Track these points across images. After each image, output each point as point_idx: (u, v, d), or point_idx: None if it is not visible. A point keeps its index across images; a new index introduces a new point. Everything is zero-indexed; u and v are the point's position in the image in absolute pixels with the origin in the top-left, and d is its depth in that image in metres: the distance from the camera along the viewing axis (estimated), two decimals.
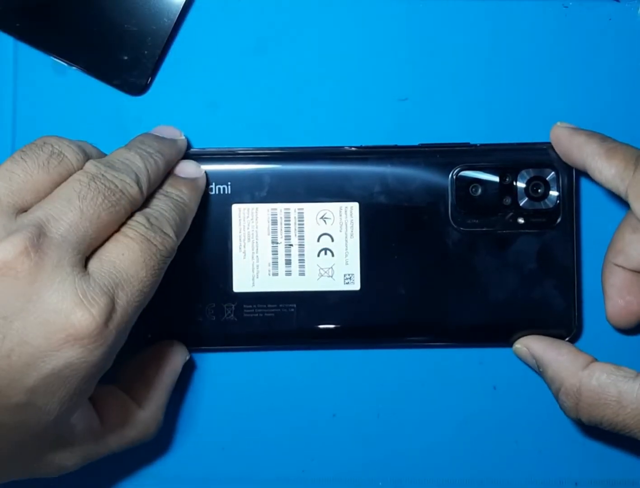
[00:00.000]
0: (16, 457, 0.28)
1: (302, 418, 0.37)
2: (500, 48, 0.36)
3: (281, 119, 0.36)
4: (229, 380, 0.37)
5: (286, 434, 0.37)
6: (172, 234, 0.29)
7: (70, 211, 0.26)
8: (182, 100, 0.35)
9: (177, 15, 0.34)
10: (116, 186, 0.28)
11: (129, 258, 0.27)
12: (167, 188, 0.31)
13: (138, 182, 0.28)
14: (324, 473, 0.38)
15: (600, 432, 0.37)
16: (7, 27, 0.35)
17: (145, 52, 0.35)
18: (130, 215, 0.28)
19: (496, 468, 0.38)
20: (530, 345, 0.34)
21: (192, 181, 0.32)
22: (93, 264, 0.27)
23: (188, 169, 0.33)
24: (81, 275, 0.26)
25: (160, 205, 0.30)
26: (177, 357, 0.34)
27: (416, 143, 0.35)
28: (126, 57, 0.35)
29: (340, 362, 0.37)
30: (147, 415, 0.33)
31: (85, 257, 0.27)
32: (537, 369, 0.34)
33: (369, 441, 0.37)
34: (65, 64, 0.35)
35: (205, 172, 0.33)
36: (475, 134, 0.35)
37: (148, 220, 0.28)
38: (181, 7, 0.34)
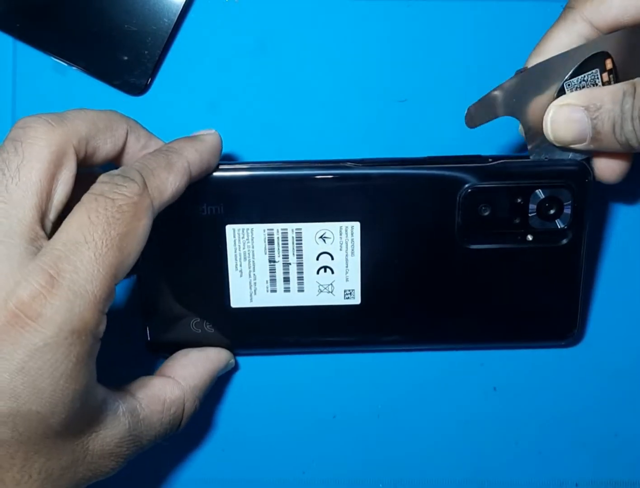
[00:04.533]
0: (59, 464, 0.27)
1: (303, 419, 0.37)
2: (499, 48, 0.36)
3: (280, 120, 0.36)
4: (229, 382, 0.37)
5: (286, 435, 0.37)
6: (136, 177, 0.27)
7: None
8: (182, 101, 0.35)
9: (177, 15, 0.34)
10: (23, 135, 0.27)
11: (75, 225, 0.25)
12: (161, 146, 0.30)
13: (48, 119, 0.27)
14: (324, 474, 0.38)
15: (600, 432, 0.37)
16: (7, 27, 0.35)
17: (145, 52, 0.35)
18: None
19: (496, 469, 0.38)
20: (569, 100, 0.30)
21: (190, 136, 0.31)
22: (45, 245, 0.26)
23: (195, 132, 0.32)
24: (24, 256, 0.25)
25: (135, 160, 0.29)
26: (222, 354, 0.34)
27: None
28: (126, 57, 0.35)
29: (341, 363, 0.37)
30: (185, 390, 0.32)
31: (38, 226, 0.26)
32: (590, 128, 0.29)
33: (369, 442, 0.37)
34: (65, 64, 0.35)
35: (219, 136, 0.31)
36: (475, 134, 0.35)
37: (109, 174, 0.27)
38: (181, 7, 0.34)
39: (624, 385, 0.37)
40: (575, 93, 0.30)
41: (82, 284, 0.25)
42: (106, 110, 0.29)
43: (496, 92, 0.30)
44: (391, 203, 0.33)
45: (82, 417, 0.27)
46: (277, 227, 0.33)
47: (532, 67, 0.30)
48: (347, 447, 0.37)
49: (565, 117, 0.30)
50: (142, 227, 0.27)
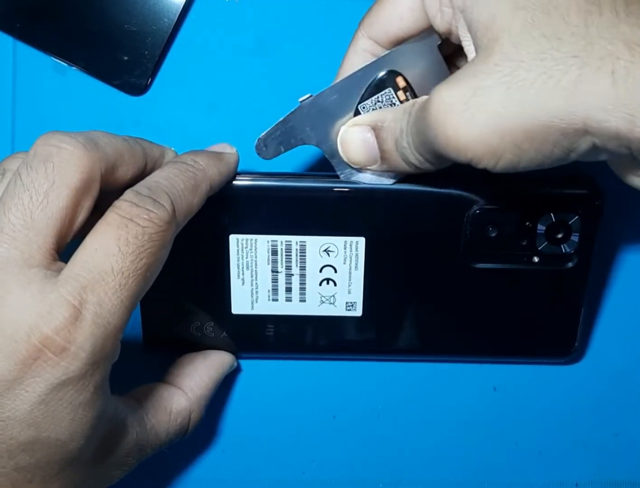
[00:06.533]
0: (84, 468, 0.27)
1: (303, 419, 0.37)
2: None
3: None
4: (229, 383, 0.37)
5: (286, 436, 0.37)
6: (166, 203, 0.26)
7: (16, 207, 0.24)
8: (182, 101, 0.35)
9: (177, 16, 0.34)
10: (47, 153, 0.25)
11: (102, 251, 0.24)
12: (181, 157, 0.29)
13: (84, 142, 0.25)
14: (324, 474, 0.38)
15: (600, 432, 0.37)
16: (7, 27, 0.35)
17: (145, 52, 0.35)
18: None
19: (496, 469, 0.38)
20: (358, 120, 0.29)
21: (214, 153, 0.30)
22: (66, 267, 0.24)
23: (215, 146, 0.31)
24: (44, 283, 0.24)
25: (160, 173, 0.27)
26: (226, 358, 0.35)
27: None
28: (126, 57, 0.35)
29: (341, 364, 0.37)
30: (192, 400, 0.32)
31: (55, 251, 0.25)
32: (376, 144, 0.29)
33: (369, 442, 0.37)
34: (65, 64, 0.35)
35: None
36: None
37: (138, 193, 0.25)
38: (181, 7, 0.34)
39: (624, 385, 0.37)
40: (364, 114, 0.29)
41: (106, 317, 0.24)
42: (128, 138, 0.28)
43: (285, 124, 0.29)
44: (398, 220, 0.32)
45: (97, 435, 0.27)
46: (280, 239, 0.32)
47: (320, 93, 0.29)
48: (347, 447, 0.37)
49: (352, 138, 0.29)
50: (166, 254, 0.26)
